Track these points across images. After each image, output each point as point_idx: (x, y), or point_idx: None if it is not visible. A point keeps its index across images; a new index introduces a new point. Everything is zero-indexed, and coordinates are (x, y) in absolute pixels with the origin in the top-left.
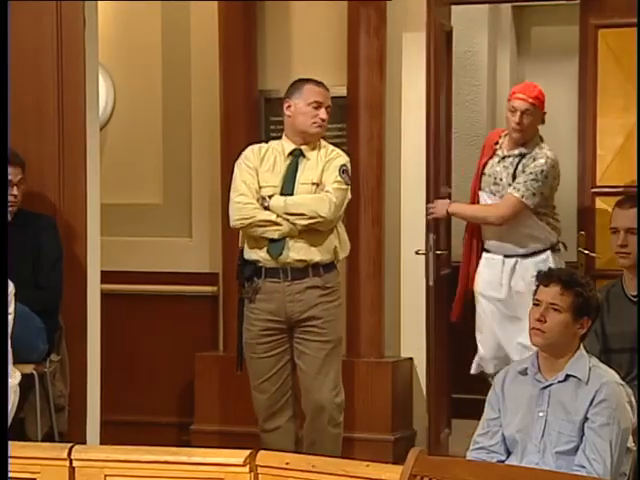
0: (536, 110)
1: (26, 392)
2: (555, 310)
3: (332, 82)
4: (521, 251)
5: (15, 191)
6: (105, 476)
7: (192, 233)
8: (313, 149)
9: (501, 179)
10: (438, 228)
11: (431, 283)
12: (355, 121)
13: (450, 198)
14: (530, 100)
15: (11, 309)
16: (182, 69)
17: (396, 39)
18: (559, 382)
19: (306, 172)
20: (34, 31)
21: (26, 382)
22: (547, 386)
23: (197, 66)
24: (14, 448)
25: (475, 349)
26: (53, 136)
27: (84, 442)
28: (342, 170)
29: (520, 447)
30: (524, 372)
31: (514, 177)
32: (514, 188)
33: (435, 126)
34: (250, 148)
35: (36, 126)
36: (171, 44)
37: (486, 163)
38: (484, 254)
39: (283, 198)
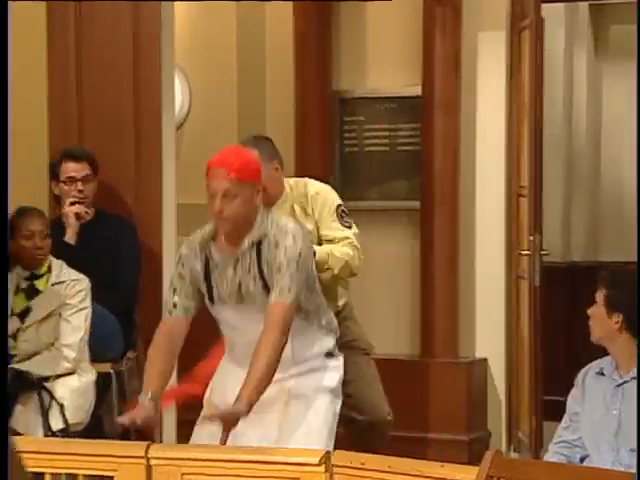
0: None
1: (103, 390)
2: None
3: (406, 82)
4: None
5: (80, 186)
6: (182, 474)
7: None
8: None
9: None
10: (542, 228)
11: (537, 283)
12: (430, 121)
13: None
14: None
15: (87, 303)
16: (257, 69)
17: (471, 38)
18: (632, 379)
19: None
20: (111, 32)
21: (103, 380)
22: (621, 384)
23: (272, 66)
24: (92, 446)
25: None
26: (130, 137)
27: (160, 440)
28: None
29: (596, 445)
30: (601, 372)
31: None
32: None
33: (518, 126)
34: None
35: (113, 127)
36: (246, 44)
37: None
38: None
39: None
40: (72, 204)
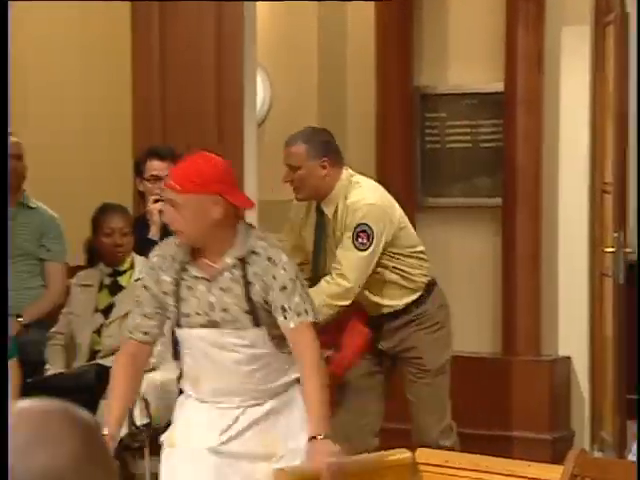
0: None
1: None
2: None
3: (488, 77)
4: None
5: (163, 185)
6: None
7: None
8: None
9: None
10: (625, 226)
11: (621, 281)
12: (512, 117)
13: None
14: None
15: None
16: (338, 67)
17: (555, 33)
18: None
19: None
20: (194, 32)
21: None
22: None
23: (353, 63)
24: None
25: None
26: (212, 134)
27: None
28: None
29: None
30: None
31: None
32: None
33: (602, 122)
34: None
35: (196, 126)
36: (327, 42)
37: None
38: None
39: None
40: (155, 202)
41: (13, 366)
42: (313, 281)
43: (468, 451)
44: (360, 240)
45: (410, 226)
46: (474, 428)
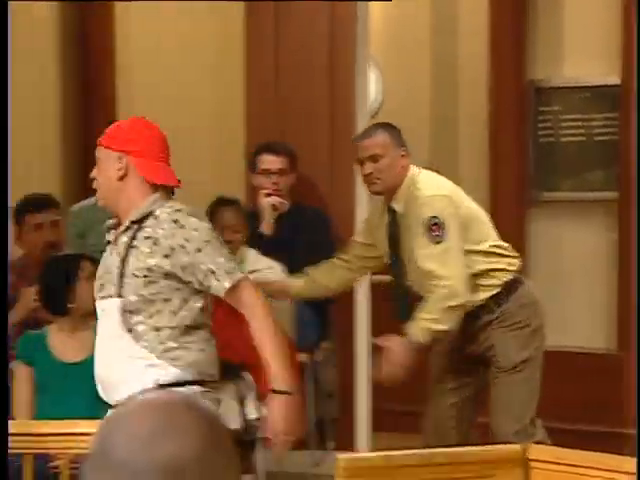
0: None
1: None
2: None
3: (603, 70)
4: None
5: (275, 179)
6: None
7: None
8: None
9: None
10: None
11: None
12: (628, 111)
13: None
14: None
15: None
16: (450, 62)
17: None
18: None
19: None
20: (308, 32)
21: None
22: None
23: (465, 58)
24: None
25: None
26: (324, 129)
27: (353, 427)
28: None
29: None
30: None
31: None
32: None
33: None
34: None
35: (308, 124)
36: (440, 37)
37: None
38: None
39: None
40: (267, 195)
41: None
42: (396, 284)
43: (580, 448)
44: (434, 233)
45: (485, 220)
46: (584, 424)
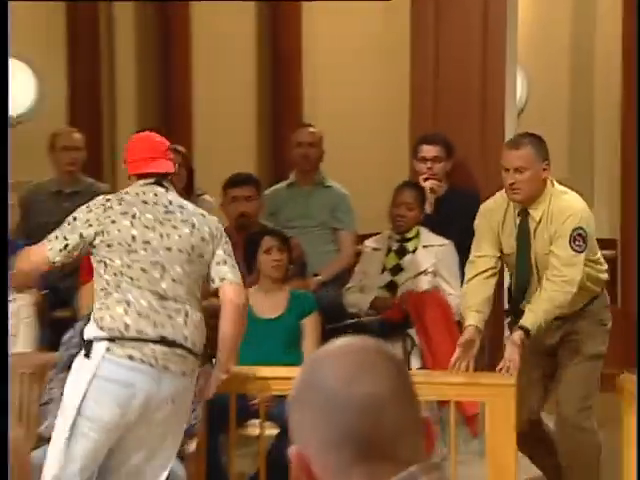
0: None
1: None
2: None
3: None
4: None
5: (429, 165)
6: None
7: (594, 203)
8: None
9: None
10: None
11: None
12: None
13: None
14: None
15: (456, 266)
16: (587, 63)
17: None
18: None
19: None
20: (463, 29)
21: None
22: None
23: (600, 60)
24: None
25: None
26: (476, 122)
27: None
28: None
29: None
30: None
31: None
32: None
33: None
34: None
35: (462, 113)
36: (578, 40)
37: None
38: None
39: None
40: (425, 180)
41: (313, 317)
42: (518, 284)
43: None
44: (577, 243)
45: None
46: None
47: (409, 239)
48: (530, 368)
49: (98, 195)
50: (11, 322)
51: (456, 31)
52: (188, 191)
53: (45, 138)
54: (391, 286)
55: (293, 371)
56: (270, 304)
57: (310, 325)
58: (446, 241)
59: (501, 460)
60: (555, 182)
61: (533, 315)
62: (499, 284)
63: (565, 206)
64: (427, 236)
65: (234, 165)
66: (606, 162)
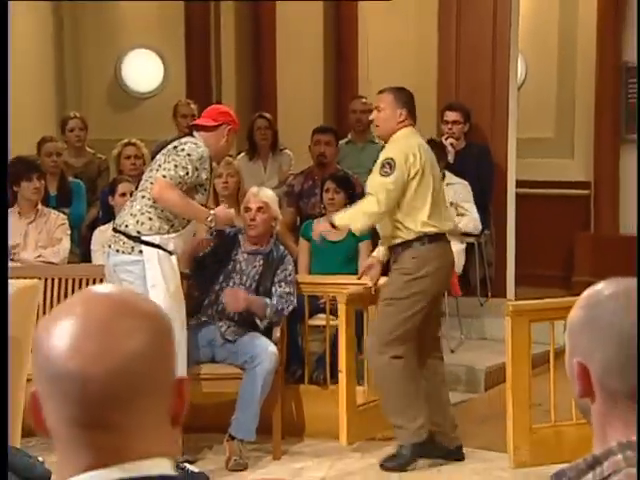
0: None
1: (469, 254)
2: None
3: None
4: None
5: (451, 126)
6: None
7: (574, 155)
8: None
9: None
10: None
11: None
12: None
13: None
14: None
15: (471, 198)
16: (570, 47)
17: None
18: None
19: None
20: (477, 21)
21: (470, 247)
22: None
23: (582, 45)
24: None
25: None
26: (487, 94)
27: (505, 284)
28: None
29: None
30: None
31: None
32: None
33: None
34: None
35: (475, 87)
36: (564, 28)
37: None
38: None
39: None
40: (446, 138)
41: (367, 242)
42: None
43: None
44: (384, 169)
45: (428, 185)
46: None
47: None
48: None
49: None
50: None
51: (472, 25)
52: (273, 147)
53: (169, 108)
54: None
55: (350, 279)
56: (335, 231)
57: (364, 247)
58: (463, 181)
59: None
60: (414, 131)
61: (343, 215)
62: None
63: (391, 144)
64: (450, 178)
65: (307, 128)
66: (583, 125)
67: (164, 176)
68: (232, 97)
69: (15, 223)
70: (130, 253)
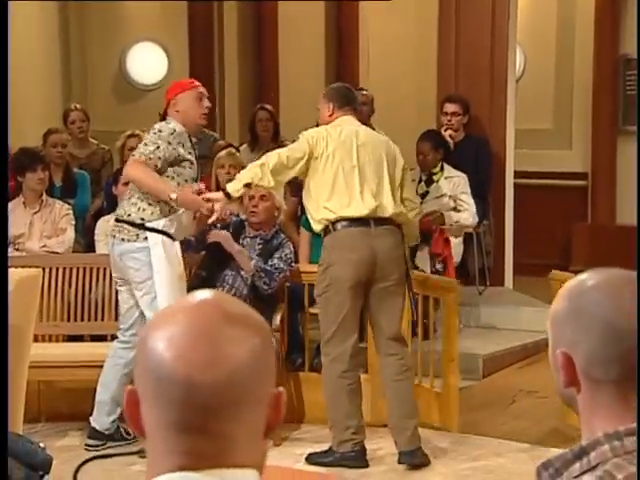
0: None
1: (468, 244)
2: None
3: None
4: None
5: (450, 118)
6: None
7: (572, 146)
8: None
9: None
10: None
11: None
12: None
13: None
14: None
15: (468, 189)
16: (569, 41)
17: None
18: None
19: None
20: (476, 15)
21: (469, 238)
22: None
23: (579, 39)
24: None
25: None
26: (486, 87)
27: (503, 273)
28: None
29: None
30: None
31: None
32: None
33: None
34: None
35: (474, 80)
36: (562, 22)
37: None
38: None
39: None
40: (445, 130)
41: None
42: None
43: None
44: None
45: (342, 182)
46: None
47: (434, 173)
48: None
49: (211, 141)
50: None
51: (472, 17)
52: (274, 139)
53: None
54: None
55: None
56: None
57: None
58: (461, 174)
59: None
60: (349, 120)
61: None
62: None
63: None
64: (448, 170)
65: (309, 120)
66: (581, 116)
67: (140, 154)
68: (235, 89)
69: (20, 213)
70: (135, 241)
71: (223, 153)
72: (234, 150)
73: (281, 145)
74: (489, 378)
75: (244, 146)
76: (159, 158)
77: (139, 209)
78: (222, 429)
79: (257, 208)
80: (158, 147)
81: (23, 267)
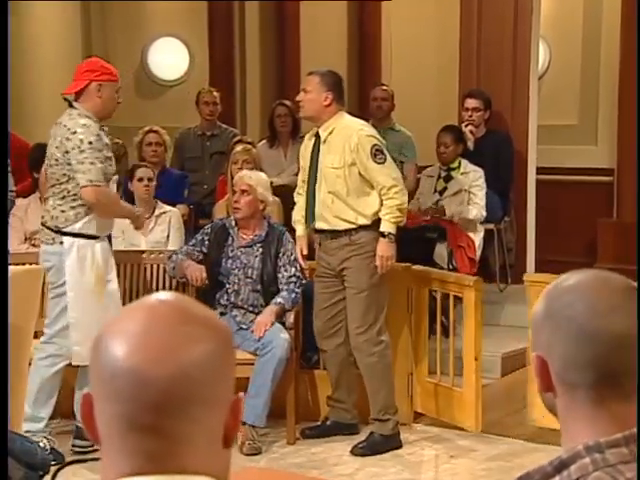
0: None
1: (488, 241)
2: None
3: None
4: None
5: (470, 113)
6: None
7: (597, 142)
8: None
9: None
10: None
11: None
12: None
13: None
14: None
15: (484, 184)
16: (595, 37)
17: None
18: None
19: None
20: (498, 8)
21: (489, 235)
22: None
23: (605, 34)
24: None
25: None
26: (508, 82)
27: (525, 270)
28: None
29: None
30: None
31: None
32: None
33: None
34: None
35: (496, 74)
36: (588, 15)
37: None
38: None
39: None
40: (466, 125)
41: None
42: (309, 193)
43: None
44: (378, 157)
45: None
46: None
47: (453, 169)
48: None
49: (230, 137)
50: (163, 227)
51: (494, 11)
52: (293, 135)
53: (194, 96)
54: (439, 203)
55: None
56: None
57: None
58: (478, 168)
59: None
60: (346, 115)
61: (387, 223)
62: None
63: (351, 127)
64: (466, 166)
65: None
66: (607, 112)
67: (90, 180)
68: (256, 85)
69: (36, 209)
70: (52, 244)
71: (238, 148)
72: (249, 146)
73: (300, 141)
74: (508, 376)
75: (263, 142)
76: (106, 169)
77: (52, 217)
78: (174, 429)
79: (239, 203)
80: (101, 160)
81: (37, 264)
